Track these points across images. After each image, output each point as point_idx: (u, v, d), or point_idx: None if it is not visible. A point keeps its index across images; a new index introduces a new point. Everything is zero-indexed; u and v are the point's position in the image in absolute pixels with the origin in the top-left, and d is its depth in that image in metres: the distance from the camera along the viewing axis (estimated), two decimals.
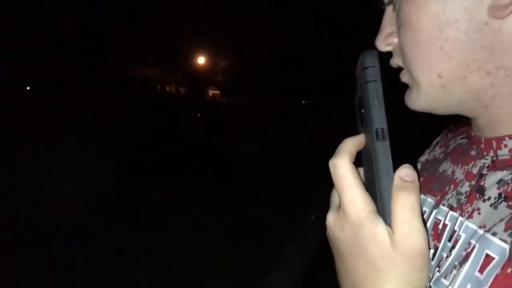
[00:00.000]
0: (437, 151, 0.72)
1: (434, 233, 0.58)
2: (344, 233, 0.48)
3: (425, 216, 0.62)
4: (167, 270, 4.04)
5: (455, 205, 0.57)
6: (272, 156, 10.12)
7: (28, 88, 36.89)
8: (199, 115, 22.75)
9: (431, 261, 0.56)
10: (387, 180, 0.45)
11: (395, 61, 0.59)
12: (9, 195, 5.87)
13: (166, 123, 16.06)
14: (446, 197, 0.60)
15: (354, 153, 0.49)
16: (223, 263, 4.21)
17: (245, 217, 5.69)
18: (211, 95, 39.83)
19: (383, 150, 0.45)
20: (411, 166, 0.46)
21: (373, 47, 0.60)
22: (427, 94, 0.56)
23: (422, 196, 0.65)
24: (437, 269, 0.54)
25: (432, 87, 0.54)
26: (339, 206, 0.48)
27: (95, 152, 8.16)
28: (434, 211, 0.60)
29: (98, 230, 4.90)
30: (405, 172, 0.45)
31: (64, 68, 32.69)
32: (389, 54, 0.59)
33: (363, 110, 0.49)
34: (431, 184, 0.65)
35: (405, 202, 0.43)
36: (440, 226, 0.58)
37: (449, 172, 0.63)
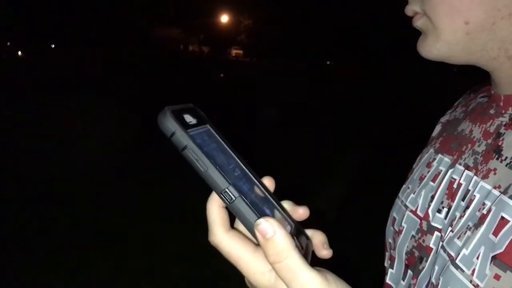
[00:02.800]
0: (458, 111, 0.70)
1: (449, 192, 0.57)
2: None
3: (440, 175, 0.61)
4: (188, 232, 4.13)
5: (471, 165, 0.55)
6: (294, 120, 10.08)
7: (53, 46, 37.22)
8: (221, 75, 22.67)
9: (444, 220, 0.55)
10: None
11: (412, 7, 0.56)
12: (32, 151, 6.02)
13: (189, 82, 16.08)
14: (463, 156, 0.58)
15: (223, 215, 0.45)
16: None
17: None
18: (234, 54, 39.53)
19: (238, 211, 0.42)
20: (266, 218, 0.41)
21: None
22: (448, 41, 0.53)
23: (440, 155, 0.64)
24: (449, 228, 0.53)
25: (455, 34, 0.52)
26: None
27: (119, 111, 8.24)
28: (450, 170, 0.59)
29: (120, 188, 5.00)
30: (264, 229, 0.40)
31: (88, 27, 32.76)
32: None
33: None
34: (449, 144, 0.63)
35: (279, 264, 0.40)
36: (455, 186, 0.56)
37: (467, 131, 0.61)
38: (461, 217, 0.52)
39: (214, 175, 0.42)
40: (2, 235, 3.77)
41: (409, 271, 0.60)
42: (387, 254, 0.69)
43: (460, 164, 0.58)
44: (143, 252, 3.66)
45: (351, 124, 9.63)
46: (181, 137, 0.42)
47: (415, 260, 0.59)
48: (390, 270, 0.65)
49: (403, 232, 0.63)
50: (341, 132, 8.67)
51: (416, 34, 0.57)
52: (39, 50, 31.96)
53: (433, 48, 0.55)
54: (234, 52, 39.84)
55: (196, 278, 3.34)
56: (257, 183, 0.47)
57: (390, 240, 0.67)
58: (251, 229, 0.41)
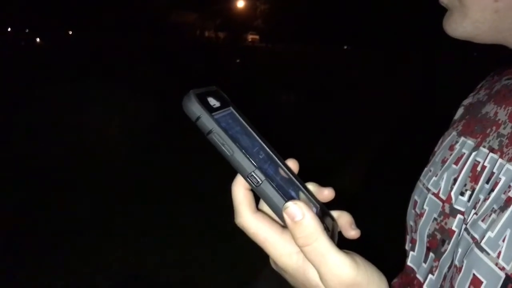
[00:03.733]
0: (481, 94, 0.69)
1: (472, 174, 0.56)
2: (286, 277, 0.47)
3: (463, 158, 0.60)
4: (206, 209, 4.16)
5: (496, 147, 0.54)
6: (312, 105, 10.03)
7: (71, 32, 37.48)
8: (237, 60, 22.60)
9: (468, 203, 0.55)
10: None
11: None
12: (49, 138, 6.11)
13: (205, 68, 16.08)
14: (487, 139, 0.57)
15: (249, 196, 0.45)
16: None
17: None
18: (250, 40, 39.37)
19: (265, 194, 0.42)
20: (295, 201, 0.40)
21: None
22: (475, 19, 0.52)
23: (463, 138, 0.63)
24: (473, 211, 0.52)
25: (484, 12, 0.51)
26: None
27: (135, 98, 8.30)
28: (474, 153, 0.58)
29: (135, 172, 5.06)
30: (293, 212, 0.40)
31: (106, 13, 32.90)
32: None
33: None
34: (473, 127, 0.62)
35: (308, 248, 0.40)
36: (479, 168, 0.55)
37: (491, 114, 0.59)
38: (485, 199, 0.51)
39: (240, 158, 0.41)
40: (15, 221, 3.85)
41: (431, 254, 0.60)
42: (407, 237, 0.69)
43: (484, 146, 0.57)
44: (156, 234, 3.70)
45: (371, 108, 9.55)
46: (207, 121, 0.41)
47: (437, 242, 0.59)
48: (411, 253, 0.65)
49: (424, 215, 0.62)
50: (361, 116, 8.61)
51: (441, 12, 0.56)
52: (57, 37, 32.22)
53: (459, 26, 0.53)
54: (250, 37, 39.69)
55: (214, 259, 3.38)
56: (281, 165, 0.47)
57: (411, 223, 0.67)
58: (278, 212, 0.41)
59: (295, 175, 0.47)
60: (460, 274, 0.49)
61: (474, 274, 0.48)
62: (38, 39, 31.57)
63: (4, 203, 4.10)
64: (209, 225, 3.90)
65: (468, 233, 0.51)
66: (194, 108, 0.41)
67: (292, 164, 0.48)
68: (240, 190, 0.45)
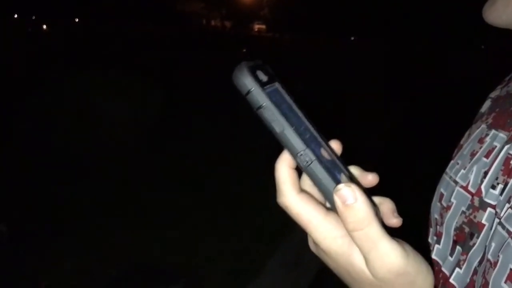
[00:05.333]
0: (511, 86, 0.67)
1: (505, 168, 0.55)
2: (330, 264, 0.46)
3: (495, 151, 0.59)
4: (211, 202, 4.17)
5: None
6: (318, 96, 9.98)
7: (77, 20, 37.42)
8: (244, 50, 22.51)
9: (499, 196, 0.54)
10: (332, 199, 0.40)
11: None
12: (60, 126, 6.11)
13: (211, 58, 16.02)
14: None
15: (294, 176, 0.43)
16: (266, 197, 4.28)
17: None
18: (256, 29, 39.18)
19: (315, 175, 0.40)
20: (348, 183, 0.39)
21: None
22: None
23: (494, 131, 0.61)
24: (507, 205, 0.51)
25: None
26: None
27: (141, 85, 8.28)
28: (506, 146, 0.56)
29: (143, 160, 5.06)
30: (345, 195, 0.39)
31: (111, 2, 32.80)
32: None
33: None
34: (505, 120, 0.61)
35: (358, 232, 0.39)
36: None
37: None
38: None
39: (290, 136, 0.40)
40: (31, 209, 3.87)
41: (458, 247, 0.59)
42: (431, 230, 0.68)
43: None
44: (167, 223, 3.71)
45: (372, 104, 9.51)
46: (258, 96, 0.40)
47: (465, 236, 0.58)
48: (436, 246, 0.65)
49: (452, 208, 0.61)
50: (363, 111, 8.57)
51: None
52: (64, 24, 32.18)
53: (502, 13, 0.52)
54: (256, 27, 39.49)
55: (219, 250, 3.39)
56: (325, 146, 0.45)
57: (437, 216, 0.66)
58: (327, 194, 0.40)
59: (338, 158, 0.46)
60: (496, 269, 0.48)
61: (511, 269, 0.47)
62: (44, 26, 31.53)
63: (10, 191, 4.13)
64: (215, 216, 3.91)
65: (503, 227, 0.50)
66: (246, 81, 0.40)
67: (336, 145, 0.47)
68: (284, 169, 0.43)
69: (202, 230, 3.66)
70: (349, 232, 0.39)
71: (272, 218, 3.88)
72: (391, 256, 0.39)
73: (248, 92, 0.40)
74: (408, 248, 0.41)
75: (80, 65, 11.67)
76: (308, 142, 0.41)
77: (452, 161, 0.68)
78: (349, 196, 0.38)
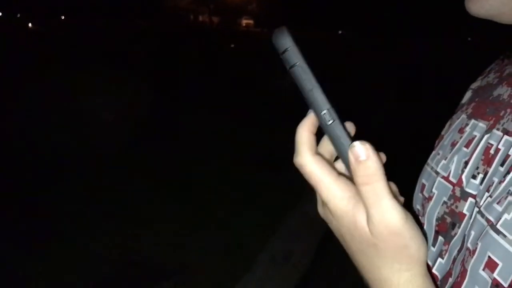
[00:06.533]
0: (491, 77, 0.68)
1: (485, 157, 0.56)
2: (334, 225, 0.48)
3: (475, 140, 0.59)
4: (200, 194, 4.17)
5: (511, 129, 0.53)
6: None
7: (63, 17, 37.06)
8: (232, 45, 22.47)
9: (480, 186, 0.54)
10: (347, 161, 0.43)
11: None
12: (50, 125, 6.06)
13: (199, 54, 15.97)
14: (501, 122, 0.56)
15: (312, 139, 0.47)
16: (256, 193, 4.29)
17: (277, 149, 5.74)
18: (244, 24, 39.09)
19: (335, 132, 0.44)
20: (362, 142, 0.42)
21: None
22: None
23: (473, 121, 0.62)
24: (487, 194, 0.52)
25: None
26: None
27: (130, 83, 8.24)
28: (486, 136, 0.57)
29: (133, 158, 5.04)
30: (358, 151, 0.41)
31: None
32: None
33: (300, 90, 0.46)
34: (484, 109, 0.61)
35: (366, 186, 0.42)
36: (492, 151, 0.55)
37: (505, 96, 0.58)
38: (500, 182, 0.50)
39: (318, 95, 0.44)
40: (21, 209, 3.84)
41: (440, 237, 0.59)
42: None
43: (498, 129, 0.56)
44: (158, 221, 3.71)
45: (360, 98, 9.55)
46: (294, 54, 0.43)
47: (447, 226, 0.58)
48: None
49: (433, 199, 0.62)
50: (352, 103, 8.59)
51: None
52: (50, 22, 31.86)
53: (485, 3, 0.52)
54: (244, 22, 39.40)
55: (209, 246, 3.39)
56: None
57: (418, 207, 0.66)
58: (343, 151, 0.44)
59: (349, 135, 0.49)
60: (474, 257, 0.49)
61: (489, 257, 0.47)
62: (30, 24, 31.19)
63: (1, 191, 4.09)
64: (206, 212, 3.91)
65: (482, 215, 0.50)
66: (286, 40, 0.44)
67: (350, 126, 0.50)
68: (305, 132, 0.47)
69: (192, 227, 3.66)
70: (358, 186, 0.42)
71: (261, 214, 3.90)
72: (391, 213, 0.42)
73: (286, 50, 0.44)
74: (409, 214, 0.43)
75: (67, 63, 11.58)
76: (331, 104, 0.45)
77: (433, 152, 0.69)
78: (362, 152, 0.41)
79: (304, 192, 4.32)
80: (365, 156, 0.41)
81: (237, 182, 4.48)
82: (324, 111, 0.43)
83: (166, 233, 3.53)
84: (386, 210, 0.41)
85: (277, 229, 3.62)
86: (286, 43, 0.43)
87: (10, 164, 4.68)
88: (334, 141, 0.44)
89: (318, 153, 0.48)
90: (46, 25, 30.17)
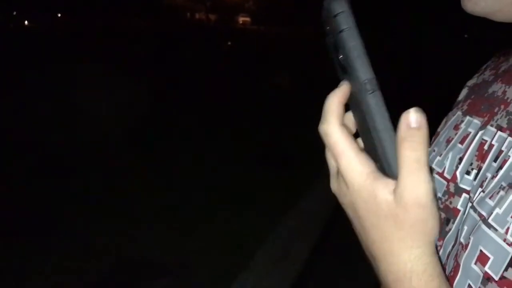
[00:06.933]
0: (487, 74, 0.68)
1: (479, 153, 0.56)
2: (348, 199, 0.47)
3: (469, 137, 0.60)
4: (199, 192, 4.17)
5: (504, 126, 0.54)
6: (304, 89, 10.01)
7: (59, 15, 36.92)
8: (229, 43, 22.44)
9: (473, 181, 0.55)
10: (387, 133, 0.43)
11: None
12: (44, 120, 6.06)
13: (195, 51, 15.94)
14: (495, 118, 0.56)
15: (341, 110, 0.46)
16: (254, 191, 4.29)
17: (276, 146, 5.74)
18: (241, 22, 39.03)
19: (376, 102, 0.42)
20: (418, 109, 0.41)
21: None
22: None
23: (468, 117, 0.63)
24: (480, 189, 0.52)
25: None
26: (338, 172, 0.47)
27: (124, 80, 8.23)
28: (480, 132, 0.58)
29: (129, 158, 5.04)
30: (411, 118, 0.41)
31: None
32: None
33: (341, 57, 0.44)
34: (479, 106, 0.62)
35: (411, 152, 0.41)
36: (486, 147, 0.55)
37: (499, 93, 0.59)
38: (493, 177, 0.51)
39: (365, 62, 0.42)
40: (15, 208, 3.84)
41: None
42: None
43: (491, 125, 0.56)
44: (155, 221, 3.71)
45: None
46: (347, 18, 0.42)
47: (442, 222, 0.59)
48: None
49: None
50: None
51: None
52: (46, 20, 31.75)
53: (481, 1, 0.52)
54: (241, 19, 39.33)
55: (207, 244, 3.40)
56: None
57: None
58: (379, 123, 0.43)
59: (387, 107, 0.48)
60: (467, 251, 0.50)
61: (481, 250, 0.48)
62: (26, 22, 31.06)
63: None
64: (204, 211, 3.91)
65: (475, 210, 0.51)
66: (342, 3, 0.42)
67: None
68: (335, 101, 0.46)
69: (189, 226, 3.66)
70: (400, 151, 0.41)
71: (259, 212, 3.90)
72: (425, 185, 0.41)
73: (340, 13, 0.42)
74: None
75: (63, 61, 11.56)
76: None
77: (429, 149, 0.69)
78: (416, 119, 0.41)
79: (303, 190, 4.33)
80: (418, 124, 0.41)
81: (236, 180, 4.48)
82: (367, 79, 0.42)
83: (164, 231, 3.54)
84: (423, 180, 0.41)
85: (276, 227, 3.63)
86: (341, 6, 0.42)
87: (2, 160, 4.67)
88: (372, 112, 0.43)
89: (343, 125, 0.47)
90: (43, 23, 30.06)
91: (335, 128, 0.45)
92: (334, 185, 0.49)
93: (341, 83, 0.47)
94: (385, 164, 0.44)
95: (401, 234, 0.44)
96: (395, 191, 0.42)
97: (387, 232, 0.44)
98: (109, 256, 3.19)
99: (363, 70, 0.42)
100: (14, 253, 3.12)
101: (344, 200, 0.48)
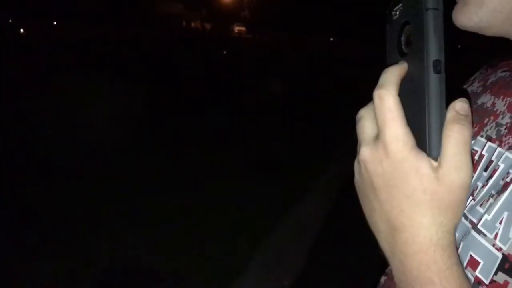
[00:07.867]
0: (475, 85, 0.69)
1: None
2: (383, 168, 0.46)
3: None
4: (194, 199, 4.17)
5: (494, 136, 0.55)
6: (297, 95, 10.04)
7: (55, 23, 36.90)
8: (224, 52, 22.48)
9: None
10: (440, 114, 0.43)
11: None
12: (39, 125, 6.04)
13: (191, 60, 15.95)
14: (485, 129, 0.58)
15: (399, 83, 0.46)
16: (249, 198, 4.30)
17: (270, 153, 5.76)
18: (236, 31, 39.12)
19: (438, 83, 0.43)
20: (466, 100, 0.44)
21: None
22: (493, 8, 0.50)
23: None
24: (471, 197, 0.53)
25: (500, 0, 0.50)
26: (376, 139, 0.46)
27: (120, 87, 8.21)
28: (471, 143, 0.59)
29: (124, 163, 5.03)
30: (461, 105, 0.43)
31: (89, 4, 32.43)
32: None
33: (410, 36, 0.45)
34: None
35: (459, 135, 0.42)
36: (476, 157, 0.56)
37: (488, 104, 0.60)
38: (483, 186, 0.52)
39: (441, 43, 0.43)
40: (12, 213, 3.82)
41: None
42: None
43: (482, 136, 0.58)
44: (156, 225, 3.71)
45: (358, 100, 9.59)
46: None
47: None
48: None
49: None
50: (347, 110, 8.64)
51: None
52: (41, 27, 31.70)
53: (474, 15, 0.51)
54: (236, 29, 39.41)
55: (202, 250, 3.40)
56: None
57: None
58: (438, 104, 0.44)
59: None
60: None
61: (471, 256, 0.49)
62: (22, 30, 31.00)
63: None
64: (197, 219, 3.91)
65: (466, 218, 0.52)
66: None
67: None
68: (396, 72, 0.47)
69: (185, 232, 3.66)
70: (450, 133, 0.43)
71: (253, 218, 3.91)
72: (468, 167, 0.43)
73: None
74: None
75: (60, 68, 11.53)
76: None
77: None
78: (463, 108, 0.44)
79: (298, 197, 4.35)
80: (465, 112, 0.43)
81: (230, 187, 4.49)
82: (438, 60, 0.43)
83: (158, 238, 3.53)
84: (468, 163, 0.43)
85: (270, 235, 3.64)
86: None
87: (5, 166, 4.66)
88: (431, 91, 0.43)
89: None
90: (38, 31, 30.02)
91: (392, 93, 0.45)
92: (366, 153, 0.47)
93: (400, 62, 0.48)
94: (427, 143, 0.44)
95: (435, 210, 0.44)
96: (437, 169, 0.43)
97: (422, 206, 0.44)
98: (103, 262, 3.18)
99: (437, 50, 0.43)
100: (6, 263, 3.10)
101: (376, 168, 0.46)
